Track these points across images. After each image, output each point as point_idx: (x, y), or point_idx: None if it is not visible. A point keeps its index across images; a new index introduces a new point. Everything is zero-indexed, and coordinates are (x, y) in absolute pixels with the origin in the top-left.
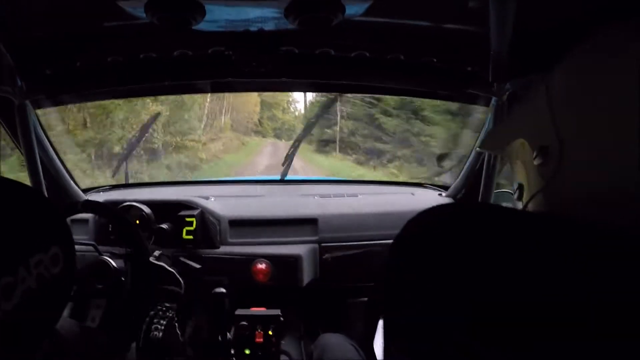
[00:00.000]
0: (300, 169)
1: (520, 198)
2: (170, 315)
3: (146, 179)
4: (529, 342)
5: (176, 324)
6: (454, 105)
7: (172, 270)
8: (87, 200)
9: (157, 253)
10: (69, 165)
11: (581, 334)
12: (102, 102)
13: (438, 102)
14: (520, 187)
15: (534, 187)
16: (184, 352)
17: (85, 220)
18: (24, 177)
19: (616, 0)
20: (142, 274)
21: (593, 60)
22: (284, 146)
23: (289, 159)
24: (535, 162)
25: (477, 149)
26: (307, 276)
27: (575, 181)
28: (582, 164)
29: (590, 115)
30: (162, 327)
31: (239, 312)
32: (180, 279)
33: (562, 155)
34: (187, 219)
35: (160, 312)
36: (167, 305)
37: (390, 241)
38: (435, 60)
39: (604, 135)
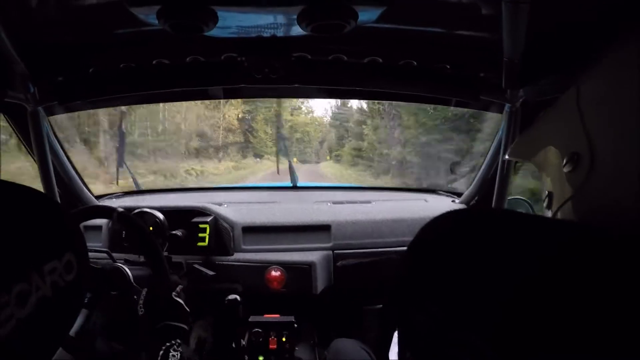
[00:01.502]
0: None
1: (549, 207)
2: (182, 350)
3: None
4: (543, 349)
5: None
6: None
7: (188, 309)
8: (122, 212)
9: (179, 288)
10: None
11: (597, 346)
12: None
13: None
14: (550, 196)
15: (563, 195)
16: None
17: (99, 227)
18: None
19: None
20: (158, 308)
21: (626, 65)
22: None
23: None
24: (565, 170)
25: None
26: (320, 283)
27: (606, 189)
28: (614, 171)
29: (623, 121)
30: (178, 358)
31: (252, 318)
32: (190, 317)
33: (593, 162)
34: (201, 226)
35: (175, 346)
36: (179, 341)
37: (404, 248)
38: (448, 66)
39: (638, 142)
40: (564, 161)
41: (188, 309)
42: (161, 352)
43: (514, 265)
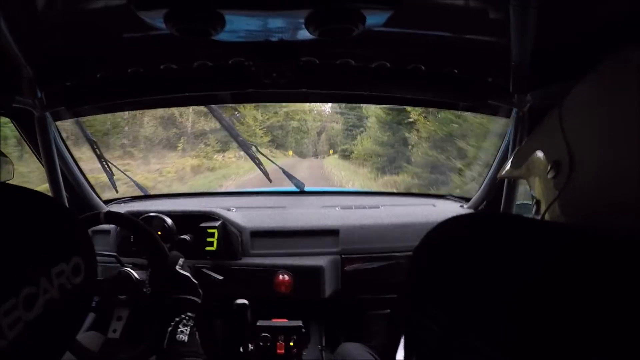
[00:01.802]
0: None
1: (537, 212)
2: (192, 324)
3: None
4: (550, 353)
5: (196, 332)
6: None
7: (195, 281)
8: (109, 211)
9: (181, 261)
10: None
11: (604, 348)
12: None
13: None
14: (538, 203)
15: (549, 199)
16: (201, 355)
17: (107, 231)
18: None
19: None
20: (164, 283)
21: (609, 78)
22: None
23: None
24: (549, 176)
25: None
26: (329, 287)
27: (585, 189)
28: (591, 173)
29: (595, 127)
30: (187, 332)
31: (260, 323)
32: (200, 289)
33: (572, 166)
34: (209, 230)
35: (185, 320)
36: (190, 314)
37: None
38: (456, 71)
39: (613, 145)
40: (548, 168)
41: (195, 281)
42: (170, 328)
43: (520, 270)
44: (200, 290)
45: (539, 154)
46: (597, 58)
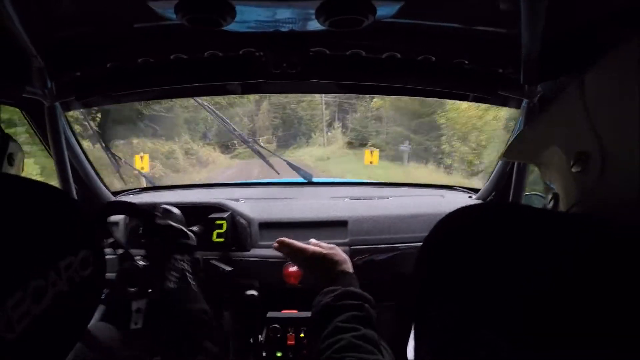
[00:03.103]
0: None
1: (555, 206)
2: (182, 267)
3: None
4: (564, 346)
5: (190, 275)
6: None
7: (180, 226)
8: (118, 201)
9: (161, 211)
10: None
11: (622, 342)
12: None
13: None
14: (555, 197)
15: (573, 196)
16: (200, 301)
17: (116, 224)
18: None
19: None
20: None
21: (632, 61)
22: None
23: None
24: (574, 170)
25: (502, 158)
26: None
27: (620, 189)
28: (629, 170)
29: (634, 117)
30: (176, 279)
31: (270, 314)
32: (189, 232)
33: (604, 162)
34: (218, 222)
35: (174, 265)
36: (179, 257)
37: (421, 243)
38: (466, 62)
39: None
40: (572, 162)
41: (184, 228)
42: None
43: (536, 261)
44: (191, 232)
45: (557, 144)
46: (607, 48)
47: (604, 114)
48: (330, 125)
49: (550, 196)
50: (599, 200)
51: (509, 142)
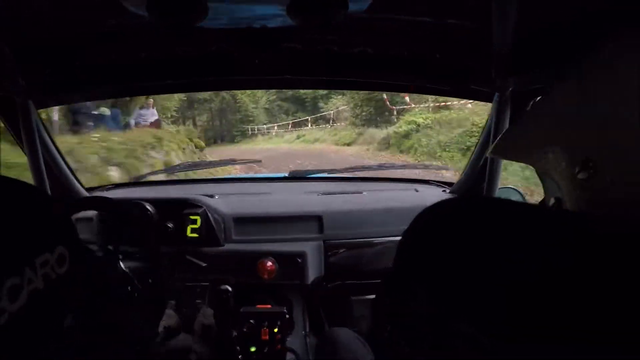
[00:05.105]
0: None
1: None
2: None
3: None
4: (540, 338)
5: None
6: None
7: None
8: (92, 196)
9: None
10: None
11: (595, 336)
12: None
13: None
14: (559, 201)
15: (579, 202)
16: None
17: (90, 219)
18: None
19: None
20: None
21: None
22: None
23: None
24: (580, 177)
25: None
26: (312, 273)
27: (632, 196)
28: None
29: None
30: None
31: (244, 309)
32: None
33: (613, 169)
34: (192, 217)
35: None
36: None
37: (396, 237)
38: (438, 56)
39: None
40: (577, 168)
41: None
42: None
43: (512, 255)
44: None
45: (556, 148)
46: (578, 43)
47: (612, 118)
48: None
49: (552, 202)
50: (609, 209)
51: (482, 135)
